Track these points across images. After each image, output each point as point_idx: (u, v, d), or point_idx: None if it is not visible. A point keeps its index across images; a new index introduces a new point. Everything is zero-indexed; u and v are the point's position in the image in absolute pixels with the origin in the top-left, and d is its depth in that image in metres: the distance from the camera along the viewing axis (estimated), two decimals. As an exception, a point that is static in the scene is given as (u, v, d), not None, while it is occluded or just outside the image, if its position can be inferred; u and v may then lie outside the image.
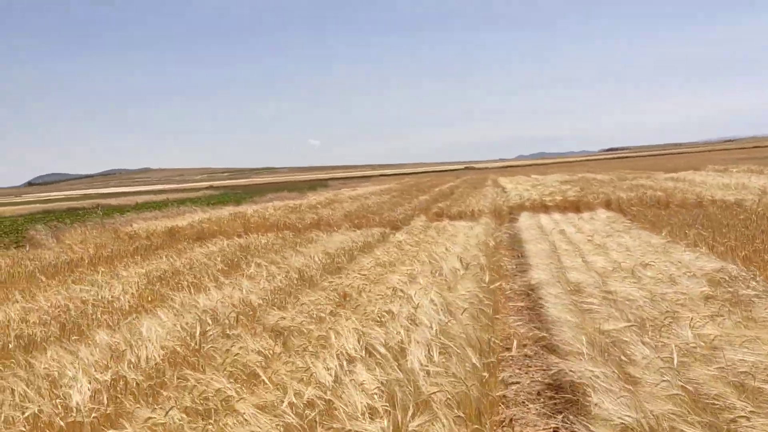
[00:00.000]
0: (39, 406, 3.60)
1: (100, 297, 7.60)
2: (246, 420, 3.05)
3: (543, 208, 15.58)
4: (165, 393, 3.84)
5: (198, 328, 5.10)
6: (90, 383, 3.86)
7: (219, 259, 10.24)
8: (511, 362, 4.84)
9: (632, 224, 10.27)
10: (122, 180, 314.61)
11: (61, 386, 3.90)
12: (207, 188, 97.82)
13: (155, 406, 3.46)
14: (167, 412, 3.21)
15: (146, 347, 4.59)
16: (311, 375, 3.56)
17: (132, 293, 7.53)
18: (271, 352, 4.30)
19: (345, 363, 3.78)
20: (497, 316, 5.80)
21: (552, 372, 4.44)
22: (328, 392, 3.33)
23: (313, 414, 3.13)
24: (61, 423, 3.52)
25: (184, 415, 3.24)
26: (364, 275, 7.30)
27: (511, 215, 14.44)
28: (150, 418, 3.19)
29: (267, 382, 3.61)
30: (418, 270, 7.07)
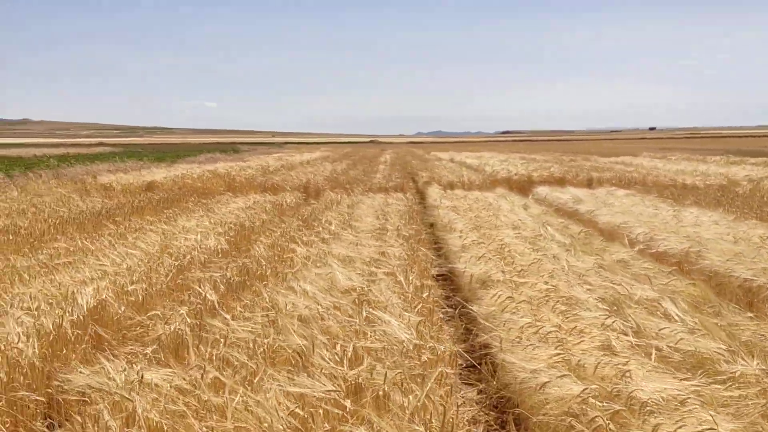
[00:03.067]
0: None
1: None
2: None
3: (538, 182, 16.19)
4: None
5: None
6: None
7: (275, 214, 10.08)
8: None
9: (663, 200, 11.00)
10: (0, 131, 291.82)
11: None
12: (98, 144, 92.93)
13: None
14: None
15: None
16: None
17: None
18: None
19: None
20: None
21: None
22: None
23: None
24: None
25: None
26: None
27: (522, 188, 14.94)
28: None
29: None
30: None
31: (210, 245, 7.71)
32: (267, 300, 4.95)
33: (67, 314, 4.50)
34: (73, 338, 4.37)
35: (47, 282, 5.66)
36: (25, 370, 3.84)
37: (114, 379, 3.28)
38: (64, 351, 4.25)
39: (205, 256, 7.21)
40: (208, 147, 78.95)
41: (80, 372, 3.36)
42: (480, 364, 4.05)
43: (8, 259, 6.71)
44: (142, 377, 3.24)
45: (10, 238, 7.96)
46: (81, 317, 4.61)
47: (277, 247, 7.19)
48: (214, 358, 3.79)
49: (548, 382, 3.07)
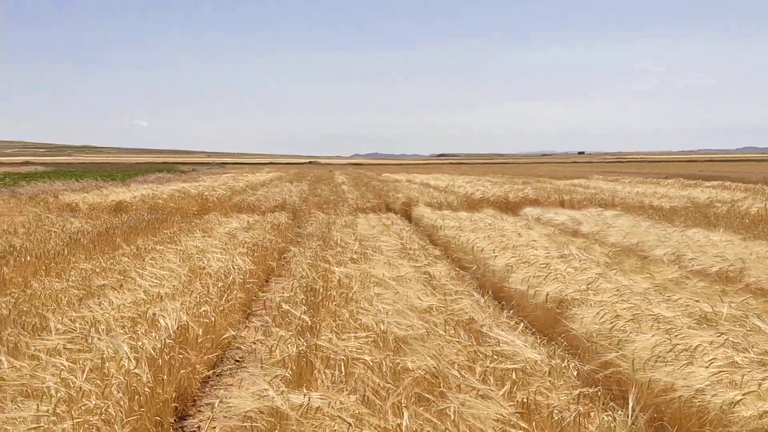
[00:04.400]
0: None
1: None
2: None
3: (516, 204, 16.46)
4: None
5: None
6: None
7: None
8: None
9: (654, 221, 11.35)
10: None
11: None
12: (24, 163, 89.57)
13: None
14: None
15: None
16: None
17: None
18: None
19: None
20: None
21: None
22: None
23: None
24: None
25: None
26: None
27: (509, 209, 15.13)
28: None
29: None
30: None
31: (239, 265, 7.49)
32: (348, 319, 4.85)
33: (161, 337, 4.27)
34: (170, 362, 4.14)
35: (100, 305, 5.37)
36: (141, 399, 3.62)
37: (275, 402, 3.11)
38: (167, 377, 4.02)
39: (241, 277, 7.00)
40: (142, 167, 77.07)
41: (236, 396, 3.18)
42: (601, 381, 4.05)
43: (40, 282, 6.33)
44: (309, 402, 3.09)
45: (22, 259, 7.51)
46: (168, 341, 4.39)
47: (316, 267, 7.04)
48: (343, 380, 3.68)
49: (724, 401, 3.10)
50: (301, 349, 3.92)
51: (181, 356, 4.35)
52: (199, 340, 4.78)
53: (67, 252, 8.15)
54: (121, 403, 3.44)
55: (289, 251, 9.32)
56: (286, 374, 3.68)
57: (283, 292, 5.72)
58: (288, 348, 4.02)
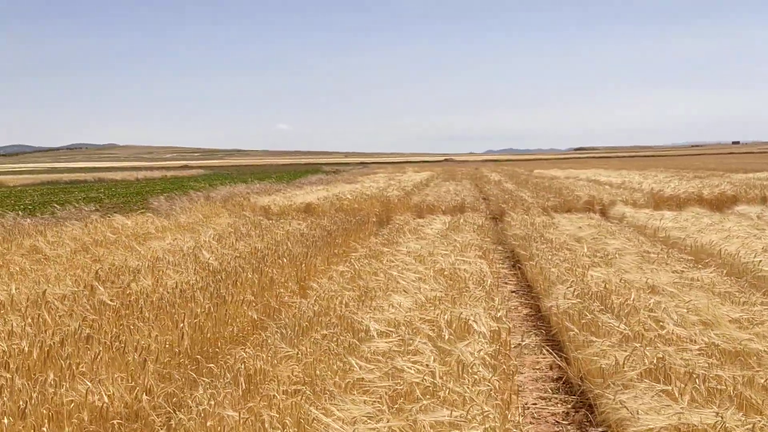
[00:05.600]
0: None
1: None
2: None
3: (711, 201, 15.50)
4: None
5: None
6: None
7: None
8: None
9: None
10: (89, 155, 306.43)
11: None
12: (183, 167, 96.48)
13: None
14: None
15: None
16: None
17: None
18: None
19: None
20: None
21: None
22: None
23: None
24: None
25: None
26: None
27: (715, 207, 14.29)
28: None
29: None
30: None
31: (483, 269, 7.53)
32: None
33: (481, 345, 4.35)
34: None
35: (391, 306, 5.57)
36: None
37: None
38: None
39: (494, 281, 7.03)
40: (289, 168, 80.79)
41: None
42: None
43: (316, 283, 6.69)
44: None
45: (280, 261, 7.96)
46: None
47: (572, 271, 6.91)
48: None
49: None
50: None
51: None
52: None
53: (310, 254, 8.57)
54: None
55: (516, 254, 9.26)
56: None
57: (565, 299, 5.64)
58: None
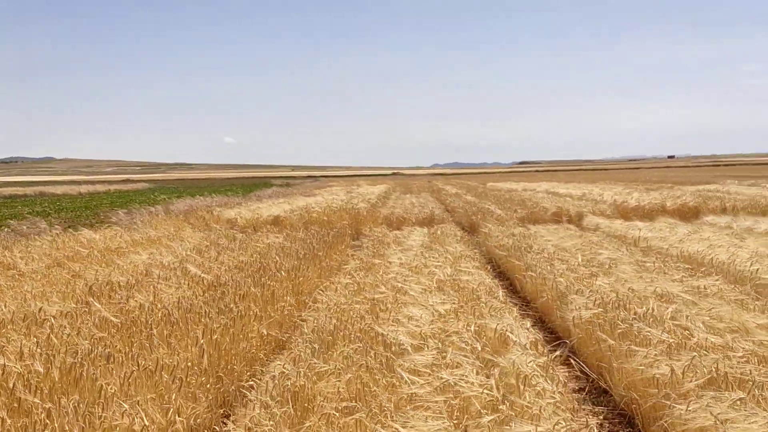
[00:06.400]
0: None
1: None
2: None
3: (674, 212, 15.89)
4: None
5: None
6: None
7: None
8: None
9: None
10: (25, 168, 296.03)
11: None
12: (125, 181, 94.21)
13: None
14: None
15: None
16: None
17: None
18: None
19: None
20: None
21: None
22: None
23: None
24: None
25: None
26: None
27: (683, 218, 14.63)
28: None
29: None
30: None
31: (485, 280, 7.47)
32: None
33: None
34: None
35: (409, 320, 5.43)
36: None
37: None
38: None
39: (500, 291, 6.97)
40: (235, 182, 79.73)
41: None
42: None
43: (322, 295, 6.49)
44: None
45: (277, 275, 7.71)
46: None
47: (580, 280, 6.90)
48: None
49: None
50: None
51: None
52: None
53: (302, 266, 8.34)
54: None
55: (503, 264, 9.23)
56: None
57: (587, 309, 5.59)
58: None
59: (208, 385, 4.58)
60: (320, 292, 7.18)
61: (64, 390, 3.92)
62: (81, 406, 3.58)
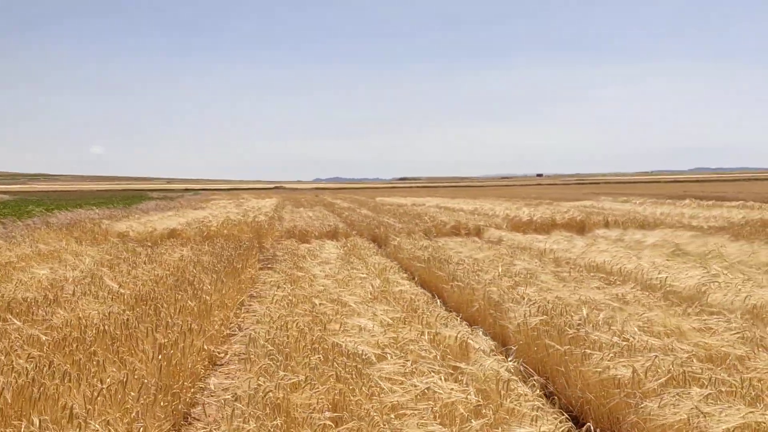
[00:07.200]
0: None
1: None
2: None
3: (563, 226, 16.83)
4: None
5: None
6: None
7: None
8: None
9: (737, 239, 11.79)
10: None
11: None
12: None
13: None
14: None
15: None
16: None
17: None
18: None
19: None
20: None
21: None
22: None
23: None
24: None
25: None
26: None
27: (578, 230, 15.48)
28: None
29: None
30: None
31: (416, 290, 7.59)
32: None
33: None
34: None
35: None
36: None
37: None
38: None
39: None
40: (105, 194, 75.56)
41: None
42: None
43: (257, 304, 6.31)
44: None
45: (211, 287, 7.43)
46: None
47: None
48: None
49: None
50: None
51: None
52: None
53: (223, 280, 8.10)
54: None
55: (423, 275, 9.39)
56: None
57: (528, 317, 5.80)
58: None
59: (164, 402, 4.36)
60: (249, 305, 7.01)
61: (20, 412, 3.59)
62: (46, 425, 3.31)
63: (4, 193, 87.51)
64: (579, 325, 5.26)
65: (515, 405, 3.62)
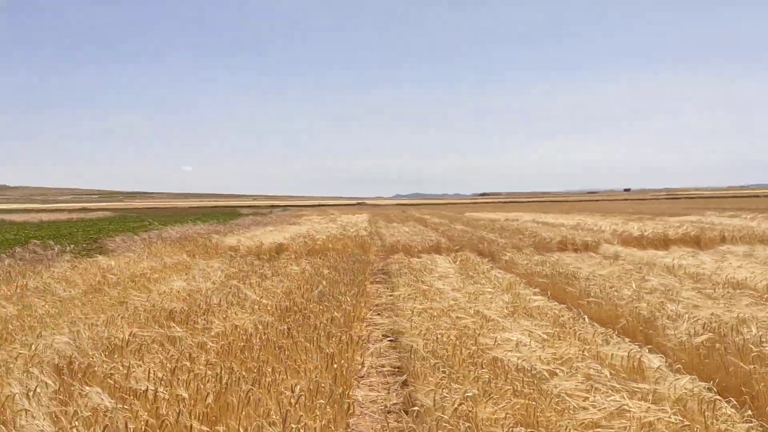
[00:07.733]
0: None
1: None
2: None
3: (679, 241, 16.16)
4: None
5: None
6: None
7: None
8: None
9: None
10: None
11: None
12: (81, 210, 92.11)
13: None
14: None
15: None
16: None
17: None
18: None
19: None
20: None
21: None
22: None
23: None
24: None
25: None
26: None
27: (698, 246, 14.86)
28: None
29: None
30: None
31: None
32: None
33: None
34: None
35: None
36: None
37: None
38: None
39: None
40: (196, 211, 78.46)
41: None
42: None
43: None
44: None
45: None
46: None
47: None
48: None
49: None
50: None
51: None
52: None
53: (350, 292, 8.17)
54: None
55: (558, 289, 9.19)
56: None
57: (697, 336, 5.54)
58: None
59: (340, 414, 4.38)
60: (370, 318, 7.00)
61: (217, 416, 3.68)
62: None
63: (106, 210, 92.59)
64: (763, 342, 4.95)
65: (727, 426, 3.41)
